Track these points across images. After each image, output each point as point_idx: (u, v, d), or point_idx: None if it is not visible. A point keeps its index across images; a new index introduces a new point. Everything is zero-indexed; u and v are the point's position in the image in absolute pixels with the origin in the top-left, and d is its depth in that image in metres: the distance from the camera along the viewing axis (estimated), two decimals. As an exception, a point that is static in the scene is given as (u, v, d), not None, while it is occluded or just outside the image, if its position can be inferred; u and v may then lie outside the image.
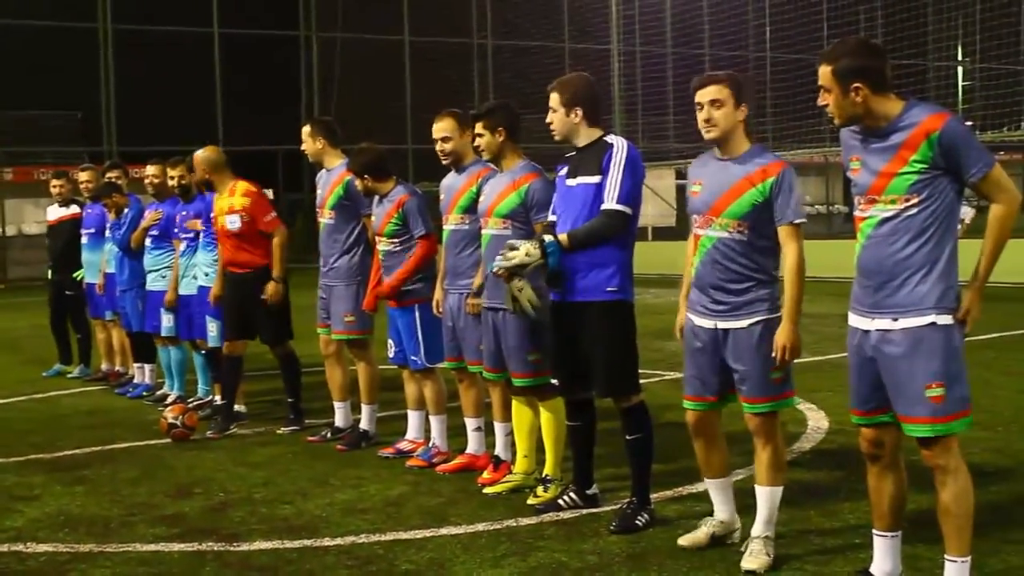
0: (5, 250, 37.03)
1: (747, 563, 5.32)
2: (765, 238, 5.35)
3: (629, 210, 5.94)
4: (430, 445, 7.79)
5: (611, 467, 6.98)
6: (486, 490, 6.92)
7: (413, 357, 7.75)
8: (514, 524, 6.20)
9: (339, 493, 7.04)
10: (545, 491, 6.60)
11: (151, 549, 5.99)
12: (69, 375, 12.55)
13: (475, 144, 7.00)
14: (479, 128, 6.88)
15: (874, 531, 4.94)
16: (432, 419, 7.83)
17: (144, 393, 10.93)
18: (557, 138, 6.24)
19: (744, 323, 5.37)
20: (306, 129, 8.73)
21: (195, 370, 10.32)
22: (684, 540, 5.69)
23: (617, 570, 5.39)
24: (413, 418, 8.08)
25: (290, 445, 8.55)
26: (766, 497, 5.48)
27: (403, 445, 8.02)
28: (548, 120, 6.18)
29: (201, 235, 9.62)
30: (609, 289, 5.98)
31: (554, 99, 6.15)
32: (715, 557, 5.51)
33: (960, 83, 44.11)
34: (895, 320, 4.63)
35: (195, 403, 10.05)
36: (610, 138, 6.12)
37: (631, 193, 5.94)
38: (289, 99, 41.44)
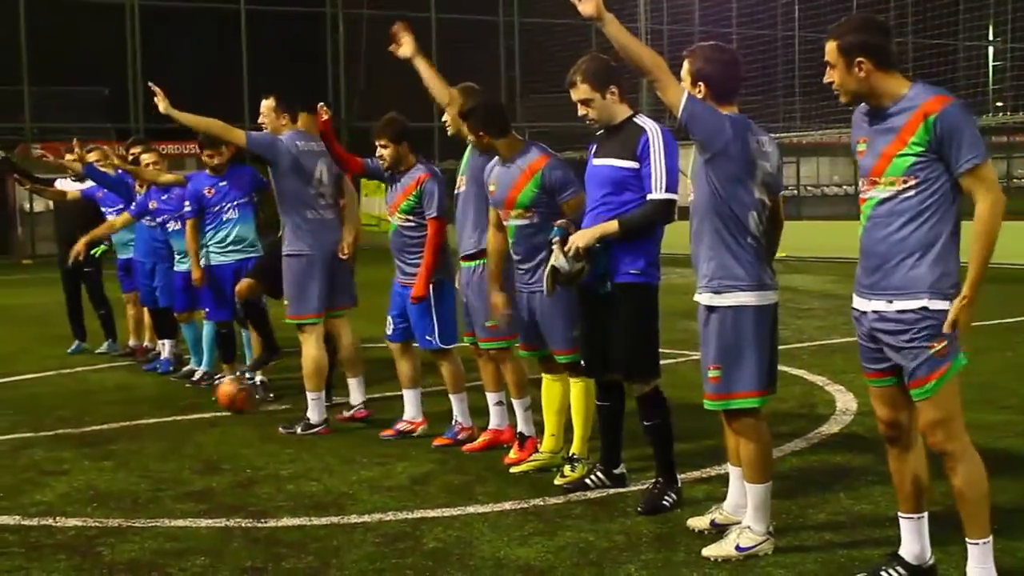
0: (33, 226, 37.25)
1: (707, 549, 5.29)
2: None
3: (676, 196, 5.90)
4: (453, 423, 7.78)
5: (638, 447, 6.95)
6: (512, 469, 6.91)
7: (428, 338, 7.72)
8: (541, 503, 6.19)
9: (365, 470, 7.05)
10: (572, 471, 6.59)
11: (179, 524, 6.01)
12: (98, 351, 12.60)
13: (473, 143, 7.09)
14: (467, 129, 6.97)
15: (899, 513, 4.91)
16: (452, 398, 7.81)
17: (170, 369, 10.99)
18: (598, 125, 6.09)
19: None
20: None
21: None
22: (691, 521, 5.69)
23: (644, 550, 5.38)
24: (409, 397, 8.09)
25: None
26: None
27: (402, 426, 8.01)
28: (583, 112, 6.05)
29: (236, 210, 9.61)
30: (632, 271, 5.94)
31: (584, 89, 6.00)
32: (743, 538, 5.48)
33: (991, 64, 43.71)
34: (890, 303, 4.58)
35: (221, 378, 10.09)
36: (640, 120, 6.02)
37: (674, 178, 5.88)
38: (315, 76, 41.45)
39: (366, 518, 6.03)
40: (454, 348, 7.79)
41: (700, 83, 5.29)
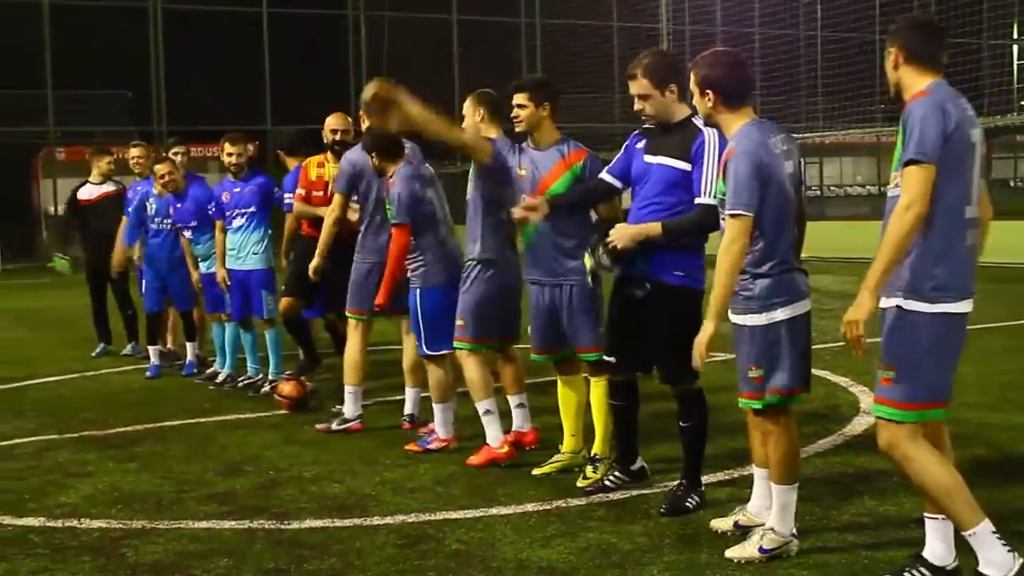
0: (59, 229, 37.40)
1: (730, 551, 5.27)
2: None
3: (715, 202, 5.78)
4: (428, 432, 7.76)
5: (662, 448, 6.94)
6: (534, 471, 6.89)
7: (418, 343, 7.72)
8: (563, 504, 6.19)
9: (388, 472, 7.06)
10: (595, 471, 6.56)
11: (203, 526, 6.03)
12: (122, 353, 12.65)
13: (512, 114, 6.82)
14: (521, 99, 6.73)
15: (924, 514, 4.88)
16: (434, 407, 7.69)
17: (194, 371, 11.03)
18: (653, 120, 6.06)
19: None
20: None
21: (244, 349, 10.37)
22: (714, 523, 5.68)
23: (667, 551, 5.36)
24: (409, 394, 8.39)
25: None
26: None
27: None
28: (639, 107, 6.00)
29: (244, 218, 9.70)
30: (677, 273, 5.92)
31: (644, 84, 5.95)
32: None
33: (1015, 63, 43.46)
34: (884, 299, 4.63)
35: (245, 381, 10.12)
36: (698, 122, 5.86)
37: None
38: (337, 78, 41.52)
39: (388, 520, 6.03)
40: (443, 355, 7.62)
41: (708, 91, 5.24)
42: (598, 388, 6.67)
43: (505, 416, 7.39)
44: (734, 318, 5.22)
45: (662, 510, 5.95)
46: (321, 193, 9.13)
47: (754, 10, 43.59)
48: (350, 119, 9.45)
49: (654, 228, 5.84)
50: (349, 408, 8.32)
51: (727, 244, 5.03)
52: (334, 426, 8.24)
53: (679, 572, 5.11)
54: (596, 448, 6.67)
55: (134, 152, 11.81)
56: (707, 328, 5.10)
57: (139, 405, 9.52)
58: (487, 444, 7.20)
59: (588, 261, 6.18)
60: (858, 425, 7.87)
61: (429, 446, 7.60)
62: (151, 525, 6.07)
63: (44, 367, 12.04)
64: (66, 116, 38.25)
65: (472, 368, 7.20)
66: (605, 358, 6.35)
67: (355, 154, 8.28)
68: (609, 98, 40.06)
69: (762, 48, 42.58)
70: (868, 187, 47.89)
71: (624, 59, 43.58)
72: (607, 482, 6.38)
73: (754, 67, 41.47)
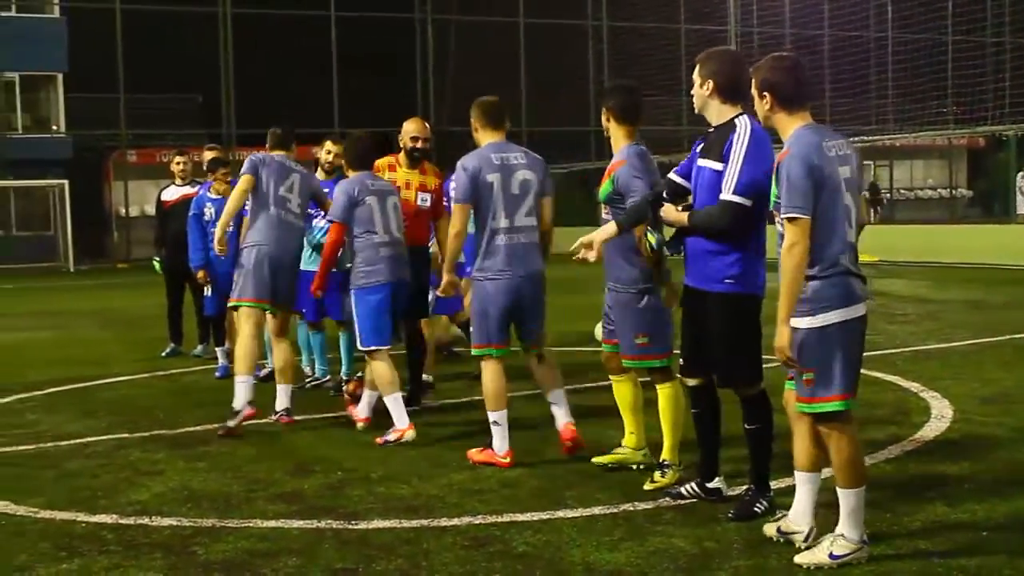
0: (129, 230, 37.98)
1: (799, 556, 5.22)
2: None
3: (747, 201, 5.71)
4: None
5: (731, 450, 6.88)
6: (595, 459, 6.92)
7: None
8: (631, 508, 6.16)
9: (455, 474, 7.07)
10: (663, 476, 6.54)
11: (271, 525, 6.08)
12: (192, 353, 12.78)
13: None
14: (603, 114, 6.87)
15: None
16: (385, 400, 8.06)
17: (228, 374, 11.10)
18: (696, 111, 6.12)
19: None
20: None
21: (311, 349, 10.45)
22: (765, 528, 5.62)
23: (735, 556, 5.32)
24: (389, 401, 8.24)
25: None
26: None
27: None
28: (692, 93, 6.09)
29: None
30: (727, 280, 5.87)
31: (695, 72, 6.01)
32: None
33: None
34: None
35: (312, 383, 10.20)
36: (739, 119, 5.88)
37: (751, 183, 5.70)
38: (404, 82, 41.74)
39: (456, 521, 6.04)
40: (379, 351, 8.11)
41: (765, 94, 5.27)
42: (664, 395, 6.67)
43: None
44: (792, 321, 5.17)
45: (730, 515, 5.90)
46: None
47: (823, 12, 43.21)
48: (427, 125, 9.43)
49: (682, 217, 5.96)
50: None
51: (787, 247, 5.04)
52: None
53: (748, 577, 5.07)
54: (665, 454, 6.65)
55: (209, 156, 11.95)
56: (781, 333, 5.11)
57: (208, 405, 9.62)
58: (491, 448, 7.26)
59: (652, 239, 6.28)
60: (929, 431, 7.77)
61: (389, 438, 7.91)
62: (220, 524, 6.13)
63: (115, 367, 12.22)
64: (137, 120, 38.83)
65: (488, 377, 7.31)
66: (657, 363, 6.53)
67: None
68: (677, 101, 39.87)
69: (831, 50, 42.22)
70: (940, 190, 47.29)
71: (692, 62, 43.05)
72: (684, 490, 6.32)
73: (822, 69, 41.15)
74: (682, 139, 35.06)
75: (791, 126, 5.23)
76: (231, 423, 8.41)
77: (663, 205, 6.11)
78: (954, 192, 47.16)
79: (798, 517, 5.45)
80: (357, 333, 8.22)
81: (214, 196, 11.31)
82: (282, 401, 8.80)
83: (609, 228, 6.31)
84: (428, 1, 42.42)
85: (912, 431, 7.76)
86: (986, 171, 49.41)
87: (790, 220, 5.03)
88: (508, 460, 7.16)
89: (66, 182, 35.62)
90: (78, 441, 8.42)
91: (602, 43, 43.95)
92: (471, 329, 7.47)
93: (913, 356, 11.11)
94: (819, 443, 5.32)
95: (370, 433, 8.27)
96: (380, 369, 8.11)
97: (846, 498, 5.20)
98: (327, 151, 10.10)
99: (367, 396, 8.37)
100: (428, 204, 8.97)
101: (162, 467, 7.50)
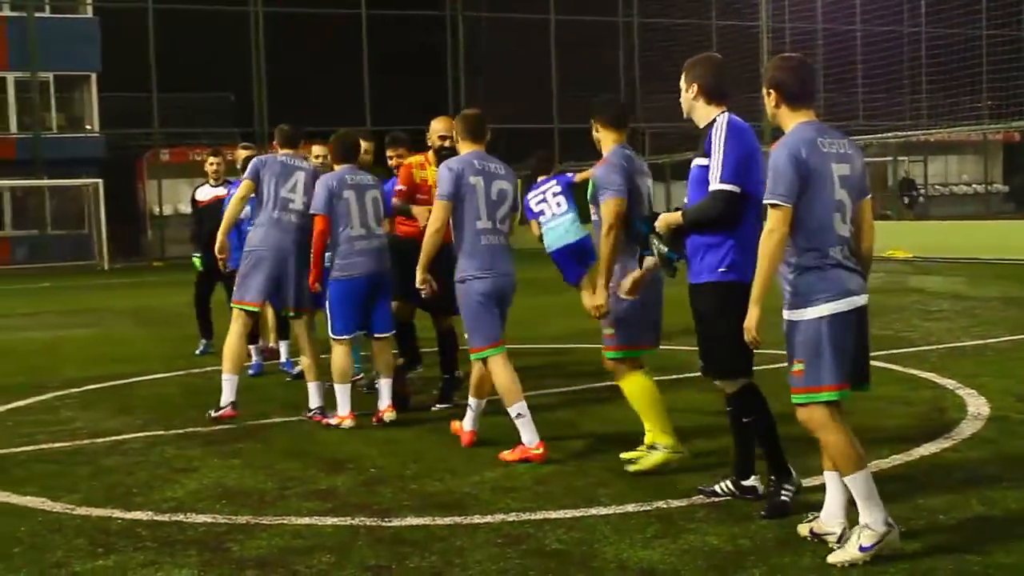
0: (163, 229, 38.22)
1: (831, 556, 5.20)
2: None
3: (735, 188, 5.88)
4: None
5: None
6: (628, 468, 6.89)
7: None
8: (664, 505, 6.14)
9: (488, 471, 7.07)
10: (648, 454, 6.85)
11: (305, 522, 6.10)
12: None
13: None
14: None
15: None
16: (335, 387, 8.57)
17: (291, 369, 11.14)
18: (684, 115, 6.35)
19: None
20: None
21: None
22: (799, 528, 5.59)
23: (770, 554, 5.30)
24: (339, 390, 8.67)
25: (439, 422, 8.60)
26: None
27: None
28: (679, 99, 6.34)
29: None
30: (721, 270, 5.98)
31: (682, 79, 6.26)
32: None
33: None
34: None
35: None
36: (719, 116, 6.08)
37: (736, 170, 5.88)
38: (435, 79, 41.78)
39: (489, 518, 6.04)
40: (343, 340, 8.58)
41: (772, 90, 5.46)
42: (622, 386, 6.97)
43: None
44: (783, 313, 5.32)
45: (762, 514, 5.88)
46: (425, 196, 9.16)
47: (855, 6, 42.96)
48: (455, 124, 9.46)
49: (677, 216, 6.08)
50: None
51: (766, 232, 5.25)
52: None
53: None
54: (647, 439, 6.91)
55: (243, 155, 11.97)
56: (751, 313, 5.36)
57: (242, 403, 9.64)
58: (522, 444, 7.31)
59: (656, 251, 6.34)
60: (965, 428, 7.71)
61: (330, 421, 8.53)
62: (255, 521, 6.16)
63: (150, 364, 12.30)
64: (170, 118, 39.04)
65: (499, 373, 7.42)
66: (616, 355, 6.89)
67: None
68: (708, 97, 39.66)
69: (864, 45, 41.96)
70: (975, 186, 46.92)
71: (724, 58, 42.85)
72: (719, 489, 6.29)
73: (855, 64, 40.92)
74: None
75: (792, 122, 5.42)
76: (213, 414, 8.94)
77: (658, 216, 6.24)
78: (989, 187, 46.81)
79: (830, 518, 5.44)
80: (328, 321, 8.61)
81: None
82: (314, 400, 8.84)
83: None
84: (459, -1, 42.48)
85: (948, 428, 7.70)
86: (1022, 166, 49.03)
87: (772, 207, 5.24)
88: (541, 451, 7.20)
89: (100, 181, 35.88)
90: (114, 438, 8.49)
91: (632, 39, 43.87)
92: (468, 334, 7.56)
93: (949, 353, 11.02)
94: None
95: (402, 430, 8.28)
96: (338, 358, 8.58)
97: (854, 485, 5.22)
98: (365, 151, 10.01)
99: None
100: None
101: (197, 464, 7.54)
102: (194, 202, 13.21)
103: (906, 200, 36.48)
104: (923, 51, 41.49)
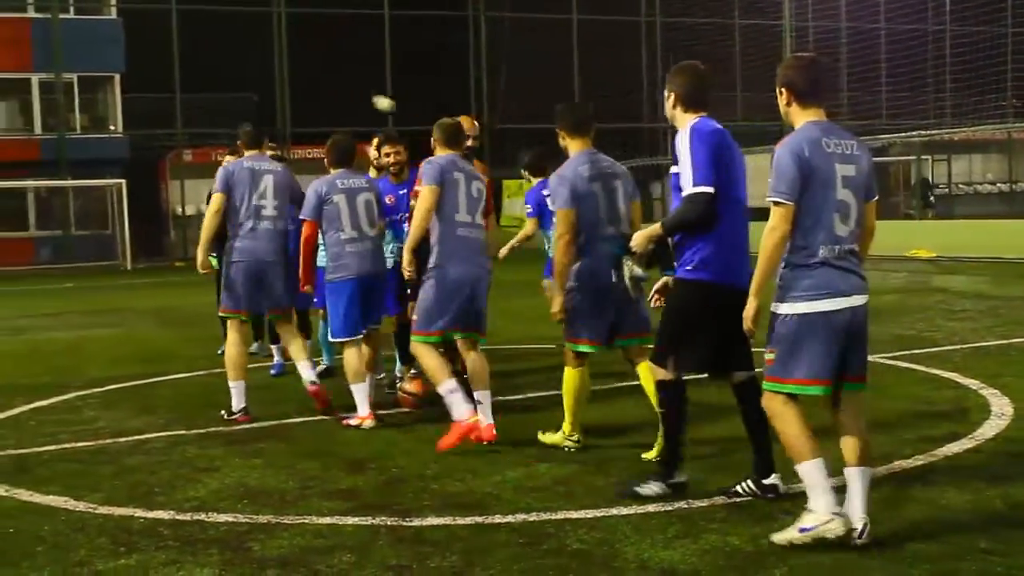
0: (185, 229, 38.35)
1: (775, 535, 5.41)
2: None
3: (710, 189, 5.94)
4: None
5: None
6: (643, 455, 7.06)
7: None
8: (685, 506, 6.13)
9: (509, 471, 7.07)
10: (555, 434, 7.52)
11: (326, 522, 6.11)
12: (249, 351, 12.83)
13: None
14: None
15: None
16: (351, 387, 8.60)
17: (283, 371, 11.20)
18: (669, 122, 6.51)
19: None
20: None
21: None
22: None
23: (790, 555, 5.27)
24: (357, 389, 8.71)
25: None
26: None
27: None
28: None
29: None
30: (688, 268, 6.10)
31: (666, 87, 6.39)
32: (889, 544, 5.35)
33: None
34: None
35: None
36: (691, 122, 6.16)
37: (707, 171, 5.94)
38: (458, 79, 41.80)
39: (510, 518, 6.04)
40: (347, 342, 8.64)
41: (783, 89, 5.53)
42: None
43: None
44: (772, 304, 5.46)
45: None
46: None
47: (879, 5, 42.77)
48: (476, 123, 9.52)
49: (656, 228, 6.22)
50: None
51: (768, 229, 5.33)
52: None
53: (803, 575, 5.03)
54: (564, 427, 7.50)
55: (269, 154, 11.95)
56: (749, 304, 5.46)
57: (264, 403, 9.68)
58: (454, 422, 7.58)
59: (626, 272, 6.75)
60: (988, 429, 7.67)
61: (351, 422, 8.53)
62: (276, 520, 6.17)
63: (173, 364, 12.35)
64: (193, 119, 39.16)
65: (424, 356, 7.83)
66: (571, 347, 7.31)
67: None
68: (732, 96, 39.67)
69: (888, 43, 41.78)
70: (999, 184, 46.63)
71: (747, 57, 43.11)
72: (740, 488, 6.26)
73: (879, 63, 40.75)
74: (739, 134, 34.81)
75: (801, 120, 5.48)
76: (226, 416, 9.01)
77: (631, 236, 6.50)
78: (1014, 186, 46.50)
79: (854, 513, 5.41)
80: (330, 325, 8.77)
81: None
82: (307, 372, 9.12)
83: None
84: (481, -1, 42.49)
85: (971, 428, 7.66)
86: (1047, 165, 48.72)
87: (774, 204, 5.31)
88: (473, 421, 7.66)
89: (123, 181, 36.01)
90: (136, 438, 8.52)
91: (655, 39, 43.78)
92: (417, 316, 7.90)
93: (972, 353, 10.97)
94: (862, 437, 5.44)
95: (423, 430, 8.29)
96: (348, 359, 8.64)
97: (802, 472, 5.40)
98: (385, 152, 9.85)
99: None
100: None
101: (219, 464, 7.56)
102: None
103: (923, 201, 36.32)
104: (947, 49, 41.31)
